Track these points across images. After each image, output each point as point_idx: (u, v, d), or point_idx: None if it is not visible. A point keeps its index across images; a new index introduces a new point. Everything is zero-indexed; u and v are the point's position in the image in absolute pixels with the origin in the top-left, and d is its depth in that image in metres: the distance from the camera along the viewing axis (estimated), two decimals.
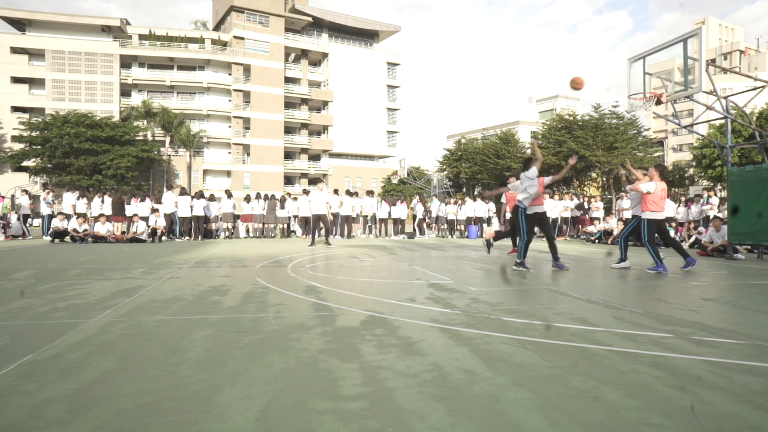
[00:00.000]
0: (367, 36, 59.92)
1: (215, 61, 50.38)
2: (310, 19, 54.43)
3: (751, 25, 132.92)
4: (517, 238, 7.99)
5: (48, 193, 16.60)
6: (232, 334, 3.37)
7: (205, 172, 50.40)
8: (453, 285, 5.80)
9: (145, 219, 15.39)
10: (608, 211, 22.14)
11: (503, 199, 9.39)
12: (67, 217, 15.16)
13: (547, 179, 7.96)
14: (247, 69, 50.59)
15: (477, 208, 19.36)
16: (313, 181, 56.63)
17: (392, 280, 6.52)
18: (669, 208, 7.38)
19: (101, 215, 15.15)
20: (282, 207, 17.80)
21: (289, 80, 54.61)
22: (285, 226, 18.20)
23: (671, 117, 11.77)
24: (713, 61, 44.93)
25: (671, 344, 3.15)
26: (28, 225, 17.02)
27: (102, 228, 14.72)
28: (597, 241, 15.29)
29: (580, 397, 2.23)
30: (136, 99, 47.88)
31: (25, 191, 17.22)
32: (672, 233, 14.41)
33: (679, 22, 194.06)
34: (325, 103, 56.74)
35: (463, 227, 19.43)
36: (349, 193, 18.11)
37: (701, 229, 13.63)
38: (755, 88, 10.07)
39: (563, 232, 17.67)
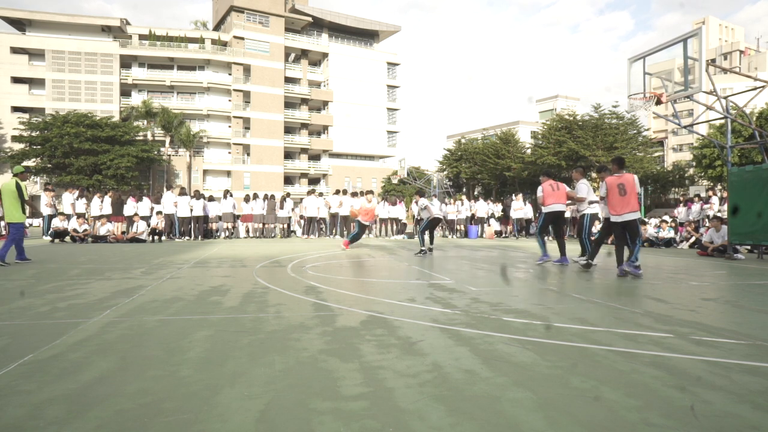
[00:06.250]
0: (367, 36, 59.90)
1: (215, 61, 50.35)
2: (310, 19, 54.42)
3: (752, 25, 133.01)
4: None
5: (50, 194, 16.58)
6: (232, 334, 3.37)
7: (205, 172, 50.37)
8: (453, 285, 5.80)
9: (146, 219, 15.39)
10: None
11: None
12: (68, 217, 15.15)
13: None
14: (247, 69, 50.57)
15: (478, 208, 19.45)
16: (313, 181, 56.69)
17: (392, 280, 6.52)
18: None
19: (101, 217, 15.14)
20: (282, 207, 17.80)
21: (289, 80, 54.59)
22: (285, 226, 18.20)
23: (671, 117, 11.77)
24: (713, 61, 44.91)
25: (671, 344, 3.15)
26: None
27: (102, 228, 14.72)
28: None
29: (580, 397, 2.23)
30: (136, 99, 47.86)
31: None
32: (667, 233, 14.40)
33: (680, 22, 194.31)
34: (325, 103, 56.71)
35: (463, 227, 19.44)
36: (349, 193, 18.11)
37: (701, 229, 13.62)
38: (755, 88, 10.07)
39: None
